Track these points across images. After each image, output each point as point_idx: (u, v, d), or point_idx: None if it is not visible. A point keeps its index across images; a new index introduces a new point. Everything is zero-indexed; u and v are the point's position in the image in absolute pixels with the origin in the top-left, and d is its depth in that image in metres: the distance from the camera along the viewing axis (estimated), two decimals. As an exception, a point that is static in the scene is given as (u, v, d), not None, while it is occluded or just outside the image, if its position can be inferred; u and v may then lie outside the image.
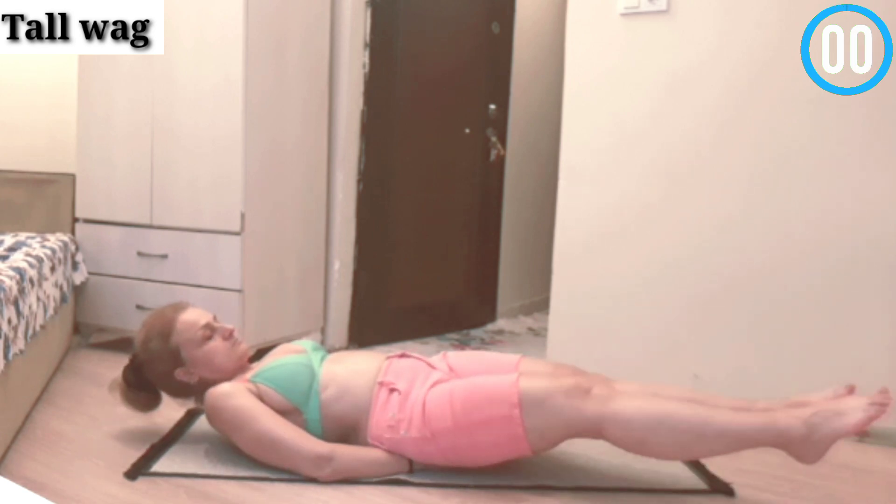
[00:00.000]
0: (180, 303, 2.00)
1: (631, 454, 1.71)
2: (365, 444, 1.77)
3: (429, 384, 1.77)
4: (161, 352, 1.88)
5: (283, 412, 1.77)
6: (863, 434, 1.52)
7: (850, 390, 1.60)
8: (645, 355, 2.43)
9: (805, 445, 1.53)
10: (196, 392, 1.91)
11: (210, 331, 1.90)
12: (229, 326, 1.94)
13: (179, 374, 1.88)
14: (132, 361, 1.95)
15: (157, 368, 1.91)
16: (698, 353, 2.36)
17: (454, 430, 1.67)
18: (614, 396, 1.62)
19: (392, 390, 1.77)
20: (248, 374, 1.87)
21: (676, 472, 1.82)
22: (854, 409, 1.50)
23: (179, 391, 1.94)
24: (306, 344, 2.01)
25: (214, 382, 1.84)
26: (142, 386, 1.95)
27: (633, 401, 1.62)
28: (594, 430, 1.62)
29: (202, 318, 1.91)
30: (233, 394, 1.78)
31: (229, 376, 1.88)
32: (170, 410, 2.03)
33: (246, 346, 1.98)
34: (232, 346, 1.91)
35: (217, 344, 1.89)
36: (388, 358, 1.91)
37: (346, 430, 1.79)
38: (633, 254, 2.46)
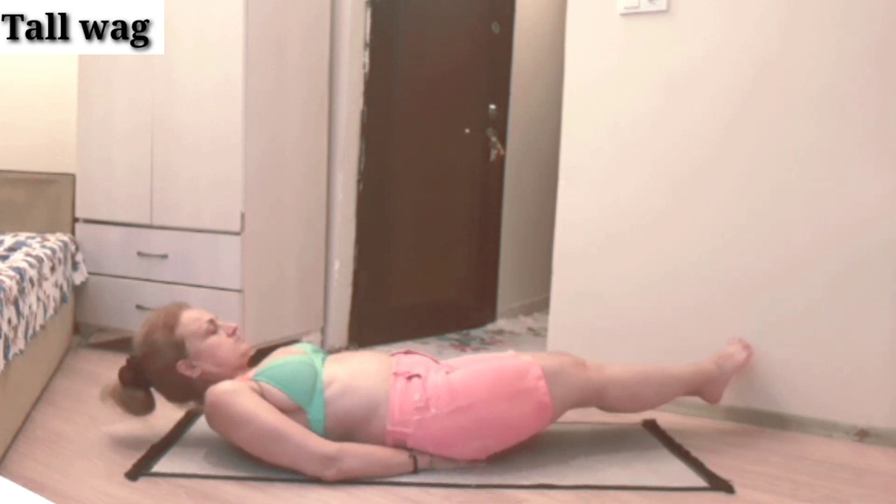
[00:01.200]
0: (182, 303, 2.01)
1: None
2: (376, 438, 1.77)
3: (443, 371, 1.85)
4: (165, 343, 1.87)
5: (287, 411, 1.76)
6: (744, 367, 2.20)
7: (745, 345, 2.22)
8: (645, 356, 2.43)
9: (718, 383, 2.13)
10: (196, 390, 1.89)
11: (214, 326, 1.92)
12: (233, 324, 1.96)
13: (182, 366, 1.87)
14: (130, 361, 1.94)
15: (160, 361, 1.88)
16: (698, 353, 2.36)
17: (488, 401, 1.79)
18: (604, 365, 1.98)
19: (411, 377, 1.82)
20: (250, 374, 1.87)
21: (676, 470, 1.83)
22: (737, 352, 2.19)
23: (178, 389, 1.91)
24: (305, 347, 2.01)
25: (216, 378, 1.84)
26: (139, 385, 1.93)
27: (617, 366, 2.01)
28: (597, 394, 1.93)
29: (206, 315, 1.94)
30: (236, 391, 1.77)
31: (231, 373, 1.88)
32: (169, 411, 2.03)
33: (248, 345, 1.99)
34: (235, 342, 1.93)
35: (221, 338, 1.91)
36: (394, 355, 1.95)
37: (351, 429, 1.79)
38: (633, 254, 2.46)
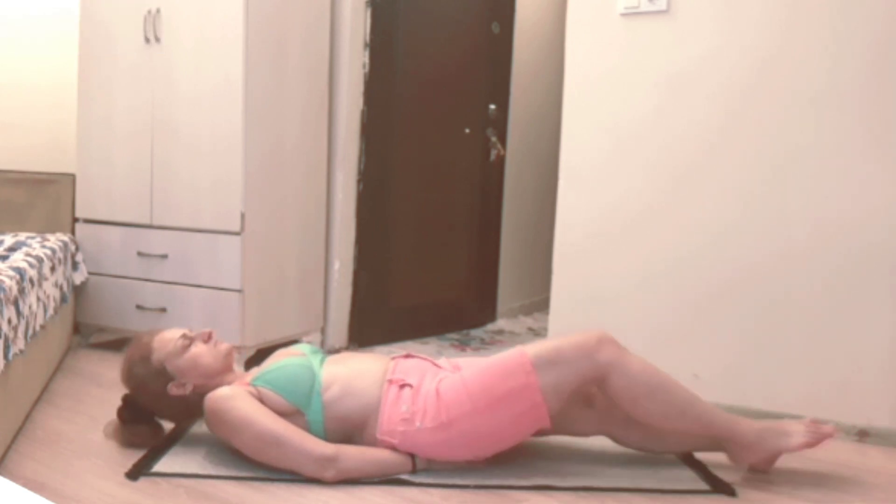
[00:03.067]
0: (153, 328, 1.99)
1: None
2: (370, 443, 1.78)
3: (438, 378, 1.79)
4: (147, 373, 1.87)
5: (285, 414, 1.76)
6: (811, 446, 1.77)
7: (831, 431, 1.78)
8: (645, 355, 2.40)
9: (749, 451, 1.78)
10: (193, 403, 1.89)
11: (188, 339, 1.89)
12: (206, 330, 1.94)
13: (172, 388, 1.86)
14: (124, 400, 1.93)
15: (149, 391, 1.88)
16: (698, 353, 2.37)
17: (473, 413, 1.70)
18: (625, 351, 1.75)
19: (403, 386, 1.79)
20: (248, 378, 1.87)
21: (677, 472, 1.82)
22: (796, 433, 1.76)
23: (178, 409, 1.91)
24: (304, 347, 2.01)
25: (208, 388, 1.84)
26: (140, 419, 1.93)
27: (640, 360, 1.75)
28: (600, 377, 1.72)
29: (177, 332, 1.91)
30: (233, 396, 1.77)
31: (221, 379, 1.88)
32: (170, 410, 2.03)
33: (227, 344, 1.96)
34: (213, 346, 1.91)
35: (198, 348, 1.89)
36: (394, 358, 1.92)
37: (350, 431, 1.79)
38: (633, 254, 2.46)
